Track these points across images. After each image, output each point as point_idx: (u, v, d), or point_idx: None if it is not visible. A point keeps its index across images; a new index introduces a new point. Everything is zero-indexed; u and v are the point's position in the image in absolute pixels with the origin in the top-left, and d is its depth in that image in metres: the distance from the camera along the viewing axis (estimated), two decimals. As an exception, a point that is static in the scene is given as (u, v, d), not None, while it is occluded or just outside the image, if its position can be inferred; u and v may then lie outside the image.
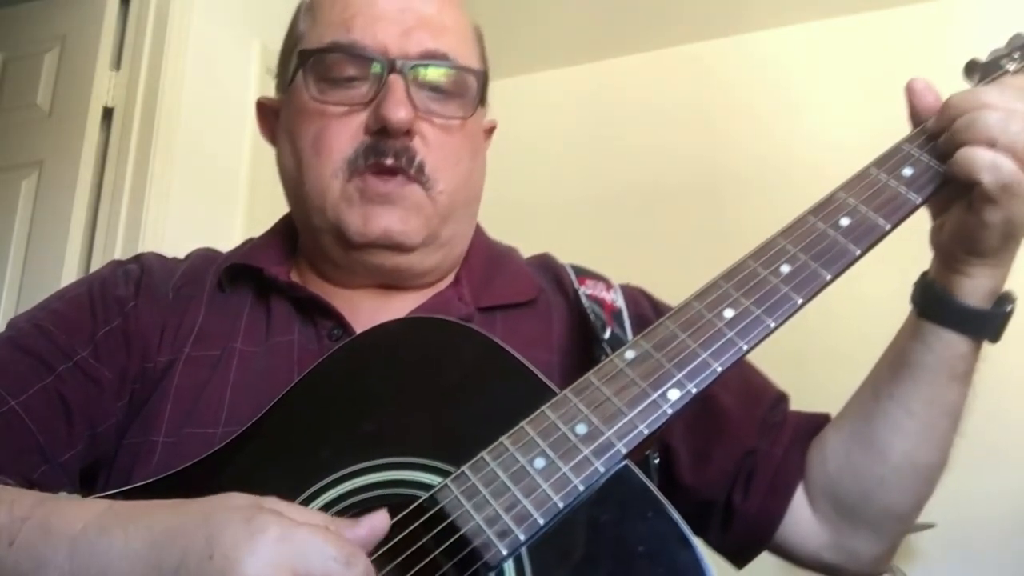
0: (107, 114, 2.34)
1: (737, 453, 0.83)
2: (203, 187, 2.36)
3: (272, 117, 0.92)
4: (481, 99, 0.87)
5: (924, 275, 0.78)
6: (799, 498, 0.82)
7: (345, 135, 0.81)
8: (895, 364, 0.78)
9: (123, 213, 2.22)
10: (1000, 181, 0.68)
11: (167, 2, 2.37)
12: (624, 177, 2.91)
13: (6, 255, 2.28)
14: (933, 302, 0.75)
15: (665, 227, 2.78)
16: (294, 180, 0.85)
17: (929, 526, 2.22)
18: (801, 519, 0.81)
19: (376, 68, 0.81)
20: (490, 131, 0.96)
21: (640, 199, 2.86)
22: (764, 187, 2.63)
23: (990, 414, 2.52)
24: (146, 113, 2.29)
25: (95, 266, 2.19)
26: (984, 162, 0.68)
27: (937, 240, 0.76)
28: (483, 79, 0.87)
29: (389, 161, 0.79)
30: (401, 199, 0.80)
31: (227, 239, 0.96)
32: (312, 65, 0.82)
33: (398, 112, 0.78)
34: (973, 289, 0.74)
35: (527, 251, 0.98)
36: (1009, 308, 0.75)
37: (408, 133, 0.80)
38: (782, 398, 0.89)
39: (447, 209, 0.83)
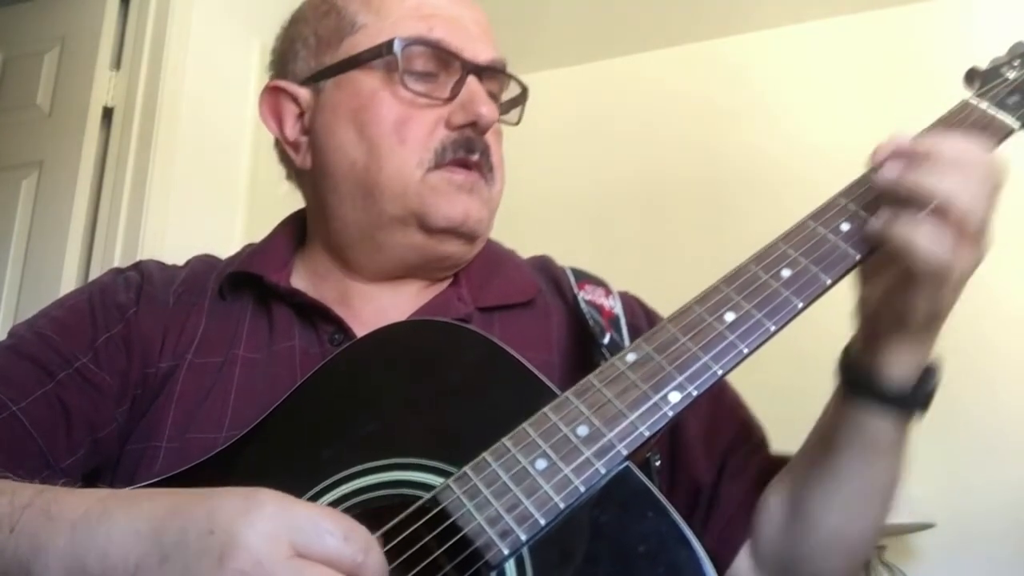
0: (107, 114, 2.34)
1: (691, 488, 0.82)
2: (203, 187, 2.36)
3: (291, 102, 0.89)
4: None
5: (847, 351, 0.75)
6: (744, 550, 0.80)
7: (429, 126, 0.84)
8: (824, 438, 0.76)
9: (123, 213, 2.22)
10: (938, 263, 0.64)
11: (167, 2, 2.36)
12: (626, 177, 2.91)
13: (6, 255, 2.28)
14: (858, 383, 0.73)
15: (667, 227, 2.78)
16: (362, 166, 0.84)
17: (929, 526, 2.23)
18: (743, 570, 0.80)
19: (459, 68, 0.85)
20: None
21: (642, 199, 2.86)
22: (766, 186, 2.63)
23: (989, 415, 2.53)
24: (146, 113, 2.29)
25: (95, 267, 2.20)
26: (924, 241, 0.63)
27: (862, 313, 0.73)
28: (527, 95, 0.94)
29: (476, 157, 0.85)
30: (479, 189, 0.86)
31: (227, 239, 0.97)
32: (400, 54, 0.83)
33: (491, 111, 0.84)
34: (899, 369, 0.71)
35: (529, 251, 0.99)
36: (935, 381, 0.72)
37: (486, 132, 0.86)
38: (750, 435, 0.87)
39: (496, 206, 0.89)
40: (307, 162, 0.89)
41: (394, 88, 0.84)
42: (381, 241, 0.85)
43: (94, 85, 2.33)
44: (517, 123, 0.94)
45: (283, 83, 0.90)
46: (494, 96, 0.89)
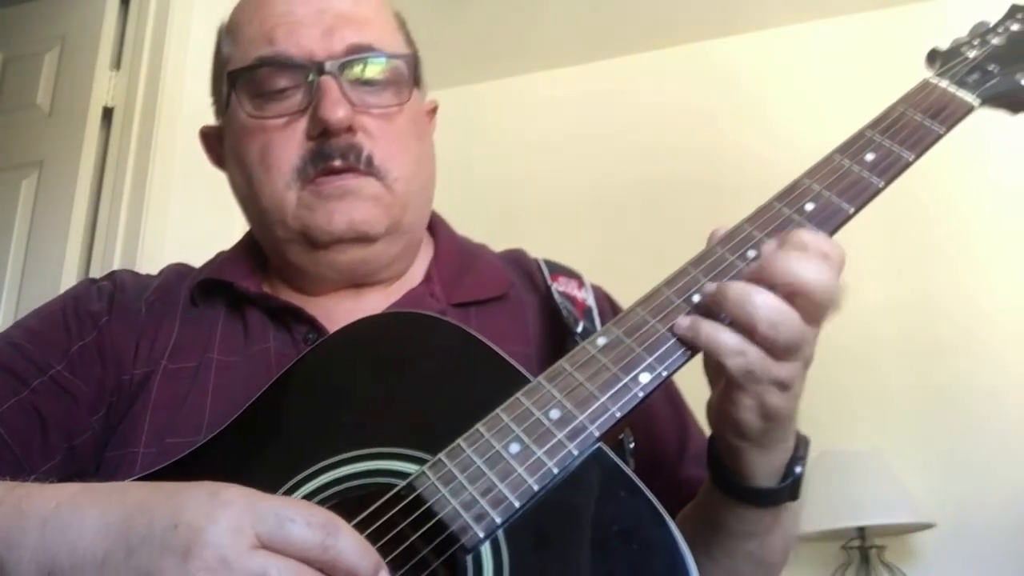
0: (107, 114, 2.34)
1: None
2: (203, 187, 2.35)
3: (216, 142, 0.92)
4: (416, 81, 0.88)
5: (712, 441, 0.71)
6: None
7: (290, 146, 0.81)
8: (697, 511, 0.75)
9: (123, 213, 2.22)
10: (744, 368, 0.62)
11: (167, 2, 2.37)
12: (625, 177, 2.91)
13: (6, 255, 2.28)
14: (721, 481, 0.71)
15: (667, 227, 2.78)
16: (249, 199, 0.86)
17: (929, 526, 2.22)
18: None
19: (305, 74, 0.81)
20: (432, 111, 0.96)
21: (642, 198, 2.87)
22: (767, 186, 2.62)
23: (989, 415, 2.51)
24: (146, 113, 2.30)
25: (95, 267, 2.20)
26: (730, 347, 0.62)
27: (709, 420, 0.71)
28: (413, 62, 0.88)
29: (337, 163, 0.81)
30: (359, 190, 0.81)
31: (227, 239, 0.97)
32: (243, 84, 0.83)
33: (336, 112, 0.79)
34: (757, 469, 0.68)
35: (529, 251, 0.99)
36: (799, 471, 0.70)
37: (350, 130, 0.81)
38: (684, 456, 0.85)
39: (405, 196, 0.84)
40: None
41: (251, 116, 0.83)
42: (294, 261, 0.85)
43: (94, 85, 2.33)
44: (404, 103, 0.86)
45: (206, 127, 0.93)
46: (370, 83, 0.83)
